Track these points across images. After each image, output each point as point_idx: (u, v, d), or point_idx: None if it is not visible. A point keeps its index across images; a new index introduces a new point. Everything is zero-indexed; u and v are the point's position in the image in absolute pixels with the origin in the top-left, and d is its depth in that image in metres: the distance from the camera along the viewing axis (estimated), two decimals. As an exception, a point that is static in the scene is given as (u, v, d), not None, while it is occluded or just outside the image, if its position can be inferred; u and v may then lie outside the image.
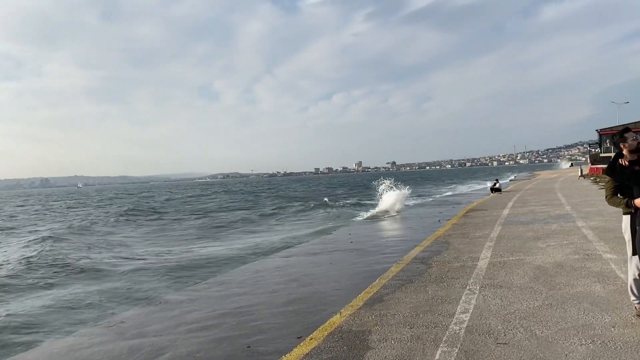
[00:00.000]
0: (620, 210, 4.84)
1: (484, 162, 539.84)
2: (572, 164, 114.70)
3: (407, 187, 29.83)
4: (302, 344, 5.01)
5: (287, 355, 4.78)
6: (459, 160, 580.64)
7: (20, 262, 14.71)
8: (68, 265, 14.73)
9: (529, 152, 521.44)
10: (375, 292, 6.64)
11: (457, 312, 5.45)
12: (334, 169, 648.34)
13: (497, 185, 30.71)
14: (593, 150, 63.73)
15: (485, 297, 6.00)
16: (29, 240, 20.98)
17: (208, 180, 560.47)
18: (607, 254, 8.05)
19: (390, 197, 27.14)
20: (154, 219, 32.50)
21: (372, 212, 27.14)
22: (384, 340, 4.77)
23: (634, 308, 4.95)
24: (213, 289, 10.25)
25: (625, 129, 4.79)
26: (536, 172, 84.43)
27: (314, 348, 4.75)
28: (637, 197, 4.49)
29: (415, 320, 5.31)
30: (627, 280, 6.19)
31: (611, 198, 4.85)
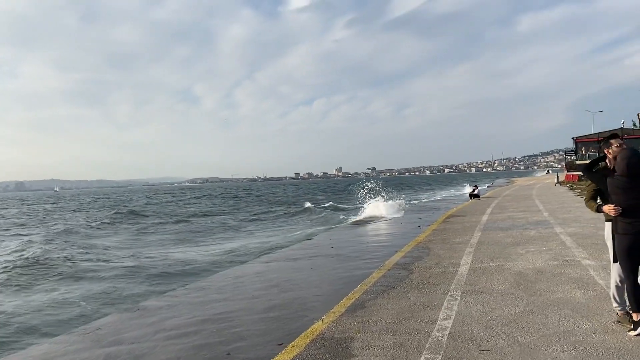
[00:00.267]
0: (600, 216, 4.88)
1: (462, 168, 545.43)
2: (548, 170, 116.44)
3: (402, 196, 29.88)
4: (283, 351, 4.94)
5: (269, 363, 4.70)
6: (437, 166, 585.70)
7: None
8: (44, 270, 14.42)
9: (506, 159, 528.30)
10: (357, 298, 6.60)
11: (439, 319, 5.44)
12: (314, 175, 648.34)
13: (476, 191, 30.97)
14: (569, 157, 64.73)
15: (467, 303, 6.00)
16: (6, 246, 20.50)
17: (187, 184, 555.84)
18: (585, 260, 8.14)
19: (379, 207, 27.23)
20: (134, 224, 32.07)
21: (354, 218, 27.15)
22: (367, 347, 4.73)
23: (615, 314, 4.98)
24: (192, 294, 10.10)
25: (613, 134, 4.84)
26: (513, 179, 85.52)
27: (296, 356, 4.68)
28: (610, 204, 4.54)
29: (398, 326, 5.28)
30: (606, 286, 6.28)
31: (588, 201, 4.90)
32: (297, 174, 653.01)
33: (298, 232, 21.32)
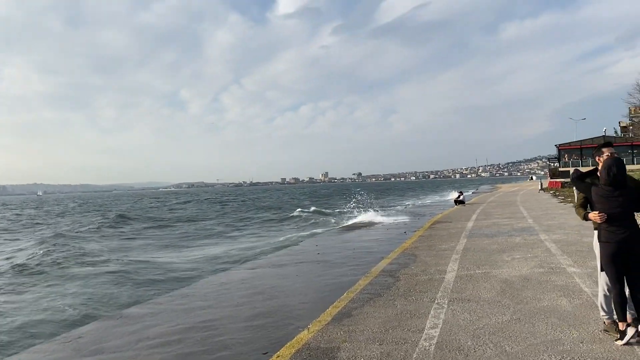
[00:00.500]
0: (584, 223, 4.89)
1: (447, 174, 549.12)
2: (532, 177, 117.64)
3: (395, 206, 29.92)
4: (268, 361, 4.85)
5: (254, 373, 4.61)
6: (423, 172, 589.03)
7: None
8: (30, 276, 14.19)
9: (490, 165, 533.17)
10: (343, 307, 6.52)
11: (426, 328, 5.39)
12: (300, 179, 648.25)
13: (461, 197, 31.11)
14: (552, 164, 65.49)
15: (454, 311, 5.96)
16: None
17: (173, 189, 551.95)
18: (570, 267, 8.16)
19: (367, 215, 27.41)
20: (119, 229, 31.68)
21: (340, 223, 27.11)
22: (353, 357, 4.66)
23: (602, 323, 4.97)
24: (176, 301, 9.95)
25: (606, 142, 4.85)
26: (497, 185, 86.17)
27: (281, 366, 4.59)
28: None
29: (385, 336, 5.22)
30: (592, 294, 6.28)
31: (577, 208, 4.90)
32: (284, 179, 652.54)
33: (284, 238, 21.22)
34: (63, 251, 18.94)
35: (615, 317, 4.63)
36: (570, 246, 10.33)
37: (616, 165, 4.44)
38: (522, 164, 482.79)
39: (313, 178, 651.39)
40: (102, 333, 8.11)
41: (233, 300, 9.38)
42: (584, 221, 4.80)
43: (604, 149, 4.71)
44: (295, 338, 5.46)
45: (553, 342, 4.72)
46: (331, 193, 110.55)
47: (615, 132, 65.52)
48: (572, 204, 22.50)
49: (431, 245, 12.07)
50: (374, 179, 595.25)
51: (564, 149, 59.20)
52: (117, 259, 16.75)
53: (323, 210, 41.48)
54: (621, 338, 4.49)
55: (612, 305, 4.62)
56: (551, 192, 39.29)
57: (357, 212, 29.13)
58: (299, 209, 42.64)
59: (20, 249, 21.33)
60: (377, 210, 29.76)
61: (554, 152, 66.29)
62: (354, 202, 30.33)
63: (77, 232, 29.20)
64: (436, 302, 6.46)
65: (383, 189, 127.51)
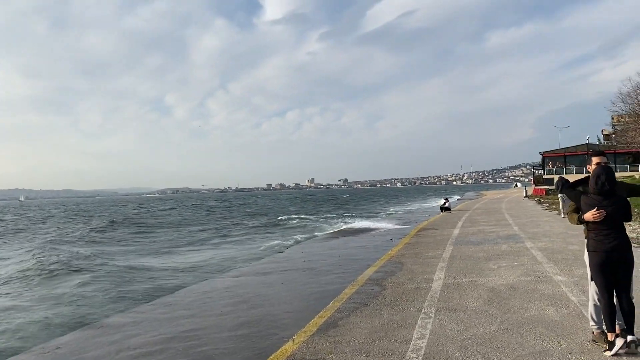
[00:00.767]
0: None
1: (433, 181, 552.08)
2: (516, 184, 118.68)
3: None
4: (252, 374, 4.72)
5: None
6: (408, 178, 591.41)
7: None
8: (12, 283, 13.87)
9: (475, 172, 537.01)
10: (329, 317, 6.41)
11: (413, 338, 5.29)
12: (286, 185, 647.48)
13: (447, 204, 31.17)
14: (536, 172, 66.11)
15: (441, 321, 5.88)
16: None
17: (157, 195, 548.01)
18: (557, 275, 8.13)
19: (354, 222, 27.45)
20: (104, 235, 31.23)
21: (326, 230, 27.01)
22: (339, 369, 4.55)
23: (590, 333, 4.91)
24: (158, 310, 9.76)
25: (597, 151, 4.81)
26: (482, 192, 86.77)
27: (265, 379, 4.46)
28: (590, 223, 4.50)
29: (371, 347, 5.11)
30: (579, 303, 6.25)
31: (570, 214, 4.84)
32: (269, 185, 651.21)
33: (269, 245, 21.04)
34: (45, 258, 18.59)
35: (604, 327, 4.58)
36: (556, 254, 10.34)
37: (605, 174, 4.40)
38: (506, 171, 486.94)
39: (299, 184, 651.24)
40: (82, 343, 7.91)
41: (217, 309, 9.22)
42: (578, 224, 4.69)
43: (593, 158, 4.68)
44: (280, 350, 5.34)
45: (541, 353, 4.65)
46: (317, 199, 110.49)
47: (599, 140, 66.35)
48: (556, 211, 22.65)
49: (418, 252, 12.01)
50: (360, 185, 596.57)
51: (548, 157, 59.84)
52: (100, 266, 16.45)
53: (309, 216, 41.36)
54: (610, 349, 4.43)
55: (602, 316, 4.57)
56: (536, 199, 39.60)
57: (343, 218, 29.05)
58: (285, 215, 42.49)
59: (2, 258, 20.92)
60: (363, 217, 29.72)
61: (538, 159, 67.01)
62: (340, 209, 30.25)
63: (61, 239, 28.72)
64: (423, 311, 6.38)
65: (369, 195, 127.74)
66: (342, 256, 15.21)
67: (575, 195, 4.65)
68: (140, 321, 8.97)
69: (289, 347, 5.33)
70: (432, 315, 6.14)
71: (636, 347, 4.32)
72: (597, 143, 62.18)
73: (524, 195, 44.31)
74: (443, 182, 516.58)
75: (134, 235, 31.26)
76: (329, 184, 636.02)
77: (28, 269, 16.15)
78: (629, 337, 4.31)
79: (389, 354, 4.86)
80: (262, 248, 20.08)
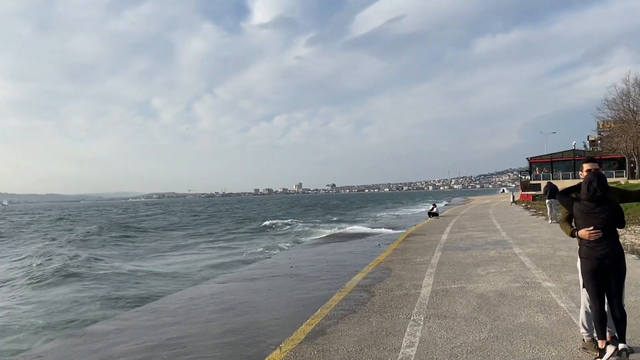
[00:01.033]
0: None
1: (420, 186, 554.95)
2: (503, 190, 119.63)
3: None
4: (238, 384, 4.60)
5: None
6: (396, 184, 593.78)
7: None
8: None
9: (463, 177, 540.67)
10: (317, 324, 6.31)
11: (402, 346, 5.21)
12: (274, 190, 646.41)
13: (435, 209, 31.23)
14: (523, 177, 66.62)
15: (430, 328, 5.80)
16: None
17: (143, 200, 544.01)
18: (546, 282, 8.11)
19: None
20: (89, 239, 30.82)
21: (313, 236, 26.90)
22: (327, 379, 4.45)
23: (581, 341, 4.87)
24: (143, 317, 9.60)
25: (587, 158, 4.77)
26: (470, 198, 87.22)
27: (252, 389, 4.35)
28: (582, 229, 4.45)
29: (360, 355, 5.02)
30: (568, 310, 6.22)
31: (563, 223, 4.79)
32: (257, 190, 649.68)
33: (256, 251, 20.90)
34: (31, 263, 18.30)
35: (595, 335, 4.54)
36: (544, 260, 10.33)
37: (596, 180, 4.36)
38: (493, 176, 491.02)
39: (287, 189, 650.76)
40: (64, 352, 7.74)
41: (203, 316, 9.07)
42: (571, 237, 4.67)
43: (584, 164, 4.65)
44: (267, 358, 5.23)
45: (532, 361, 4.59)
46: (305, 204, 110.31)
47: (585, 145, 67.11)
48: (544, 217, 22.76)
49: (406, 258, 11.95)
50: (347, 190, 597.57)
51: (535, 162, 60.29)
52: (86, 272, 16.19)
53: (297, 222, 41.21)
54: (600, 357, 4.38)
55: (593, 323, 4.52)
56: (523, 204, 39.83)
57: (331, 224, 28.97)
58: (273, 221, 42.31)
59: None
60: (351, 222, 29.67)
61: (525, 165, 67.50)
62: (328, 214, 30.19)
63: (49, 244, 28.31)
64: (412, 318, 6.30)
65: (357, 201, 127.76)
66: (330, 262, 15.10)
67: (568, 202, 4.60)
68: (124, 328, 8.81)
69: (276, 355, 5.22)
70: (421, 323, 6.07)
71: (627, 355, 4.27)
72: (583, 149, 62.82)
73: (512, 200, 44.53)
74: (431, 188, 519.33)
75: (117, 239, 30.90)
76: (316, 189, 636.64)
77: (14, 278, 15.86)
78: (621, 345, 4.26)
79: (378, 363, 4.77)
80: (249, 253, 19.93)
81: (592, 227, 4.34)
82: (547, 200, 20.63)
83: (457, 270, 9.80)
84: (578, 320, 5.07)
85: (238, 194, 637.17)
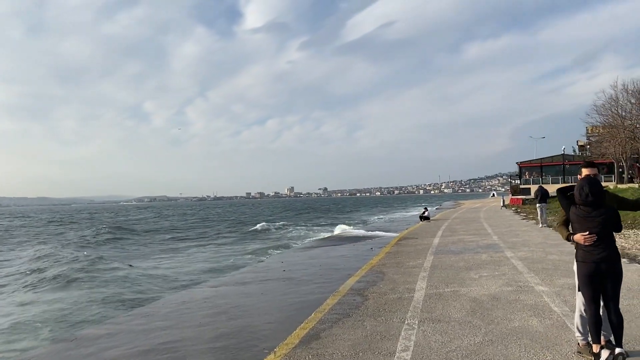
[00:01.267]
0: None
1: (411, 190, 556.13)
2: (493, 194, 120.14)
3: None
4: (232, 389, 4.56)
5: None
6: (388, 188, 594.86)
7: None
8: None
9: (453, 181, 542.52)
10: (311, 328, 6.28)
11: (397, 350, 5.20)
12: (266, 194, 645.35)
13: (426, 213, 31.29)
14: (513, 181, 67.00)
15: (425, 332, 5.79)
16: None
17: (134, 203, 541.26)
18: (538, 285, 8.13)
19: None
20: (82, 242, 30.59)
21: (306, 239, 26.85)
22: (323, 384, 4.42)
23: (575, 344, 4.88)
24: (135, 321, 9.50)
25: (585, 163, 4.77)
26: (460, 202, 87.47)
27: (246, 394, 4.32)
28: (578, 233, 4.45)
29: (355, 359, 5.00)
30: (562, 314, 6.23)
31: (559, 226, 4.80)
32: (249, 194, 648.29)
33: (248, 254, 20.82)
34: (24, 266, 18.12)
35: (589, 338, 4.54)
36: (536, 264, 10.37)
37: (589, 185, 4.37)
38: (483, 180, 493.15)
39: (278, 193, 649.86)
40: (54, 357, 7.66)
41: (195, 321, 8.99)
42: (567, 242, 4.68)
43: (583, 169, 4.66)
44: (260, 363, 5.19)
45: (527, 365, 4.59)
46: (297, 208, 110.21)
47: (574, 150, 67.63)
48: (534, 221, 22.86)
49: (399, 262, 11.95)
50: (339, 194, 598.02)
51: (524, 167, 60.70)
52: (79, 276, 16.06)
53: (289, 225, 41.15)
54: (595, 360, 4.39)
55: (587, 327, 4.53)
56: (513, 208, 40.01)
57: (323, 227, 28.96)
58: (265, 224, 42.21)
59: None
60: (343, 226, 29.66)
61: (514, 169, 67.99)
62: (321, 217, 30.20)
63: (40, 247, 28.07)
64: (406, 322, 6.29)
65: (349, 204, 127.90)
66: (323, 265, 15.06)
67: (567, 205, 4.60)
68: (115, 333, 8.71)
69: (270, 359, 5.19)
70: (416, 327, 6.06)
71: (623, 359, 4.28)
72: (573, 154, 63.34)
73: (502, 204, 44.70)
74: (421, 192, 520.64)
75: (107, 242, 30.69)
76: (308, 193, 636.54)
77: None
78: (617, 350, 4.26)
79: (373, 367, 4.75)
80: (241, 257, 19.85)
81: (587, 232, 4.35)
82: (537, 205, 20.74)
83: (450, 273, 9.82)
84: (572, 324, 5.09)
85: (230, 198, 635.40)
